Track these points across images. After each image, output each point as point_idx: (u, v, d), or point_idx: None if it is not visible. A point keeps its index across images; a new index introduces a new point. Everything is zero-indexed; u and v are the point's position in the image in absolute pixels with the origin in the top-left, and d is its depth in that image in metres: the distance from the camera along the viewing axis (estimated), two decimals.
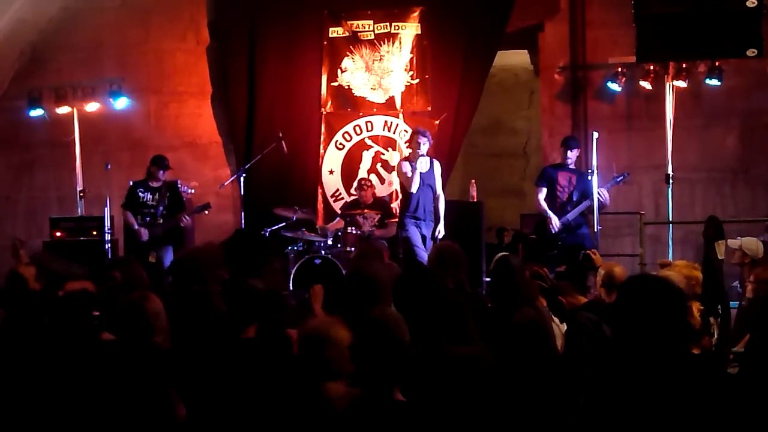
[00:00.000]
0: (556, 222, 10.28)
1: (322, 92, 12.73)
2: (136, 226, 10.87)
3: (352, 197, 12.11)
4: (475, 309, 5.28)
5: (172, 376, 4.47)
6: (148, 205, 10.94)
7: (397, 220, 11.28)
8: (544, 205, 10.42)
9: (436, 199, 10.54)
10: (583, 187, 10.31)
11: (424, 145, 10.30)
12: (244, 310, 5.02)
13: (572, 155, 10.49)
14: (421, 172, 10.25)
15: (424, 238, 10.23)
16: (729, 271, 8.14)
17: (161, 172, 10.92)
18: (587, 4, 12.35)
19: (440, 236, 10.33)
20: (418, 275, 5.22)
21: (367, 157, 12.61)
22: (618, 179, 10.49)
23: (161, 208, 10.89)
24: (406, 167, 10.33)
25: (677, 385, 3.38)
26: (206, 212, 11.16)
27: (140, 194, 10.91)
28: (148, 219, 10.89)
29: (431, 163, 10.53)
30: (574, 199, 10.37)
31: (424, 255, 9.80)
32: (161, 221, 10.87)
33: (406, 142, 11.63)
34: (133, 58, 13.08)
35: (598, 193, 10.10)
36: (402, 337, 3.49)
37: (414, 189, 10.23)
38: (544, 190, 10.49)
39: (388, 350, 3.41)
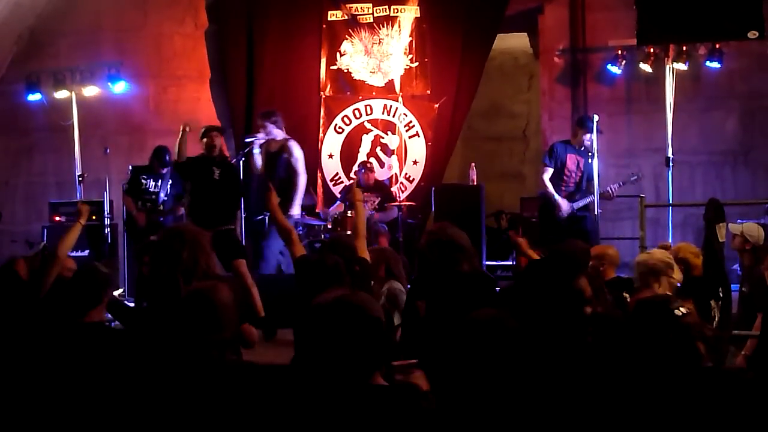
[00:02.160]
0: (566, 207, 10.23)
1: (321, 76, 12.70)
2: (135, 212, 10.87)
3: (352, 181, 12.09)
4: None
5: None
6: (150, 191, 10.94)
7: (397, 203, 11.31)
8: (551, 186, 10.32)
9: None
10: (589, 171, 10.24)
11: (271, 127, 10.61)
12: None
13: (589, 139, 10.29)
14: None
15: None
16: (730, 254, 8.15)
17: (163, 169, 10.96)
18: None
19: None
20: None
21: (366, 141, 12.59)
22: (632, 179, 10.47)
23: (163, 194, 10.89)
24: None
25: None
26: None
27: (143, 180, 10.93)
28: (149, 205, 10.89)
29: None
30: (583, 186, 10.33)
31: None
32: (161, 208, 10.87)
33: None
34: (131, 42, 13.03)
35: (610, 188, 10.08)
36: (378, 317, 3.26)
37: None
38: (551, 170, 10.36)
39: (363, 332, 3.19)
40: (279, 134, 10.68)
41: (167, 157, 10.91)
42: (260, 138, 10.57)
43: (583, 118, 10.73)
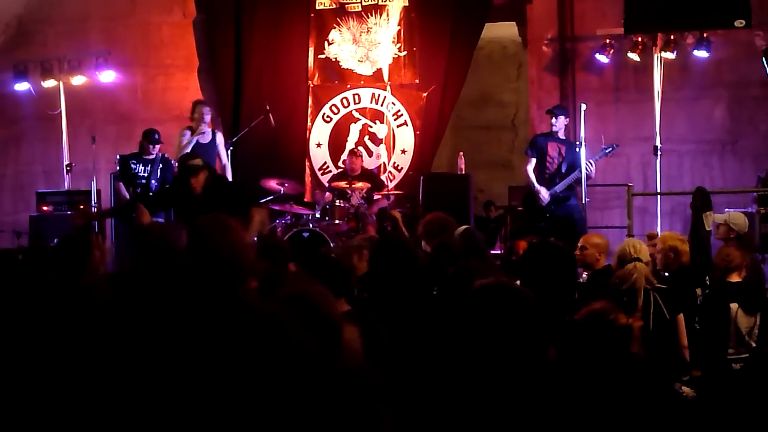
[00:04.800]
0: (545, 194, 10.28)
1: (309, 64, 12.69)
2: (128, 198, 10.88)
3: (339, 170, 12.10)
4: None
5: None
6: (140, 176, 10.92)
7: (384, 193, 11.33)
8: (533, 176, 10.41)
9: (222, 168, 10.97)
10: (572, 158, 10.29)
11: (207, 115, 10.74)
12: None
13: (558, 123, 10.45)
14: (203, 143, 10.63)
15: None
16: (716, 243, 8.17)
17: (152, 147, 10.91)
18: None
19: None
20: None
21: (354, 130, 12.59)
22: (607, 150, 10.47)
23: (153, 181, 10.87)
24: (186, 137, 10.69)
25: None
26: None
27: (132, 166, 10.89)
28: (139, 191, 10.87)
29: (213, 134, 10.93)
30: (563, 170, 10.36)
31: None
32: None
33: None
34: (119, 31, 12.99)
35: (586, 164, 10.09)
36: (326, 314, 3.11)
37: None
38: (534, 161, 10.47)
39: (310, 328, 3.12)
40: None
41: (156, 135, 10.90)
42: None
43: (552, 107, 10.81)
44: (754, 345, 6.06)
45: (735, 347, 6.18)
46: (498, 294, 3.03)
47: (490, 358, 2.96)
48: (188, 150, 10.34)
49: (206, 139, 10.77)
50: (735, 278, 6.45)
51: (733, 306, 6.20)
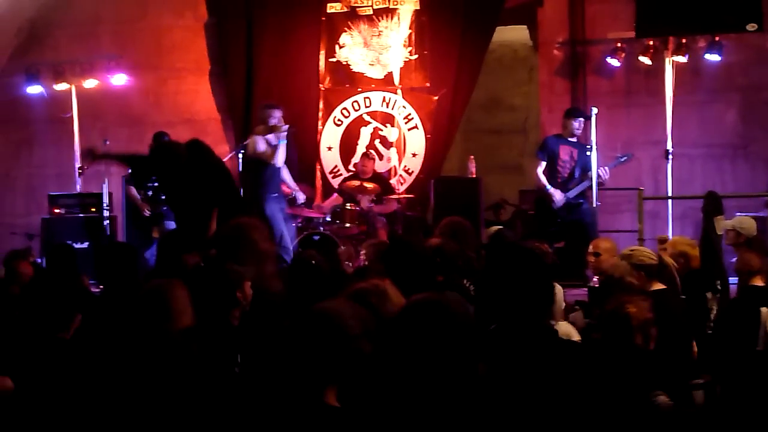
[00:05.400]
0: (559, 197, 10.21)
1: (320, 68, 12.70)
2: (139, 201, 10.92)
3: (350, 173, 12.10)
4: None
5: None
6: (153, 180, 10.95)
7: (395, 196, 11.33)
8: (544, 179, 10.35)
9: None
10: (584, 162, 10.25)
11: (274, 119, 10.38)
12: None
13: (578, 125, 10.37)
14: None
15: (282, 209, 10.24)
16: (728, 248, 8.15)
17: None
18: None
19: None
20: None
21: (365, 133, 12.58)
22: (621, 159, 10.45)
23: None
24: (262, 142, 10.25)
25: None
26: None
27: None
28: (150, 194, 10.90)
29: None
30: (576, 175, 10.32)
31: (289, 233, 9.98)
32: (164, 197, 10.89)
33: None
34: (131, 34, 13.04)
35: (599, 171, 10.05)
36: (347, 331, 3.02)
37: (281, 162, 10.27)
38: (544, 164, 10.40)
39: (324, 345, 2.97)
40: None
41: (165, 138, 10.92)
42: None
43: (569, 109, 10.77)
44: None
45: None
46: (428, 310, 3.02)
47: (418, 373, 2.95)
48: (282, 152, 10.21)
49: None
50: (759, 282, 6.44)
51: (764, 310, 6.17)
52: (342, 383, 3.00)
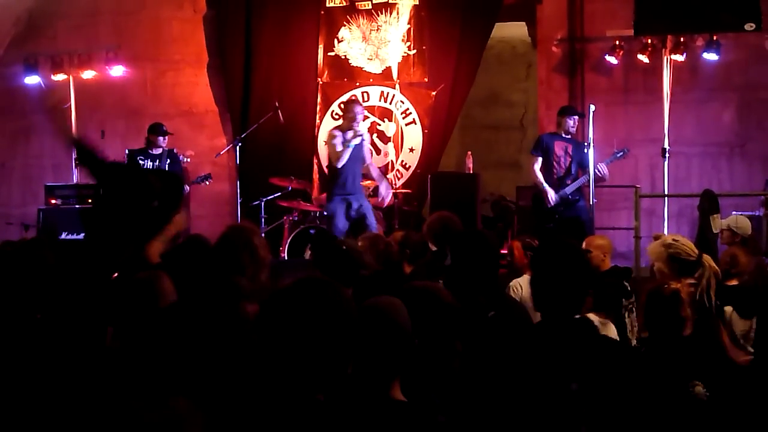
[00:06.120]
0: (552, 196, 10.20)
1: (319, 62, 12.70)
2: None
3: None
4: None
5: None
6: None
7: (392, 191, 11.32)
8: (540, 176, 10.31)
9: (366, 167, 10.41)
10: (580, 157, 10.22)
11: (360, 115, 10.19)
12: None
13: (572, 123, 10.35)
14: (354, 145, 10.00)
15: (349, 207, 10.01)
16: (723, 246, 8.17)
17: (160, 138, 10.96)
18: None
19: (389, 197, 10.72)
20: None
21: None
22: (618, 154, 10.44)
23: None
24: (339, 140, 10.00)
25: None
26: (206, 183, 11.31)
27: (140, 161, 10.92)
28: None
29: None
30: (573, 171, 10.31)
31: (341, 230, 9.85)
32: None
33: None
34: (129, 26, 13.03)
35: (598, 168, 10.03)
36: (403, 325, 3.07)
37: (340, 164, 9.98)
38: (540, 160, 10.35)
39: (387, 340, 3.00)
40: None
41: (163, 128, 10.94)
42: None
43: (563, 107, 10.76)
44: (750, 349, 6.03)
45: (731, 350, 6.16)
46: (305, 291, 2.74)
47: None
48: (346, 156, 9.90)
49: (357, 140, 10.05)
50: (732, 281, 6.42)
51: (728, 309, 6.17)
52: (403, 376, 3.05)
